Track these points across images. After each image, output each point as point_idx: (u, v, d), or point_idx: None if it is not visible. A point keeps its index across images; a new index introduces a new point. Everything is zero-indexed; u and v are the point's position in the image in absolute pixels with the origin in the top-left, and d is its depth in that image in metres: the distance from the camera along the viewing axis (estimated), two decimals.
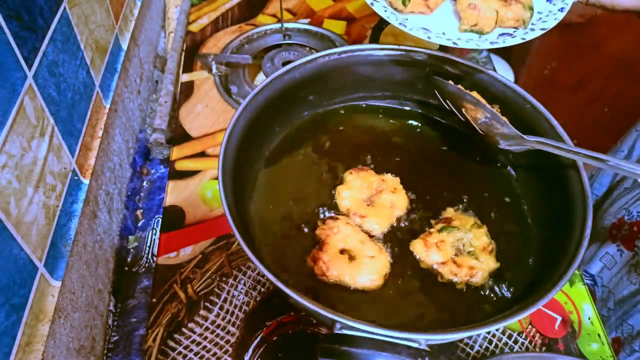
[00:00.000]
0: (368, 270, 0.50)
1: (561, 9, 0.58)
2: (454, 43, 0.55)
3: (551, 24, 0.57)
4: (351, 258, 0.51)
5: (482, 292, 0.51)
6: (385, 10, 0.57)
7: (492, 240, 0.53)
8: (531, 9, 0.58)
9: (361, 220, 0.55)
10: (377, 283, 0.50)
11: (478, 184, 0.60)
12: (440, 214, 0.56)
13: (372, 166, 0.60)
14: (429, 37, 0.55)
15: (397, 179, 0.58)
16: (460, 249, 0.52)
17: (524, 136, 0.52)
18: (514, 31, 0.58)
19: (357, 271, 0.50)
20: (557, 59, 1.58)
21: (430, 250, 0.51)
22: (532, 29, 0.57)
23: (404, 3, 0.57)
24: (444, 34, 0.57)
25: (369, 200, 0.57)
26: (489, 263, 0.51)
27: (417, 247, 0.52)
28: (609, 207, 0.84)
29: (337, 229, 0.52)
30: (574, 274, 0.61)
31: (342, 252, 0.51)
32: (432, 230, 0.54)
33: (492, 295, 0.50)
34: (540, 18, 0.59)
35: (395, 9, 0.58)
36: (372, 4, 0.58)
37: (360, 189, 0.57)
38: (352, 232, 0.53)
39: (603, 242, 0.81)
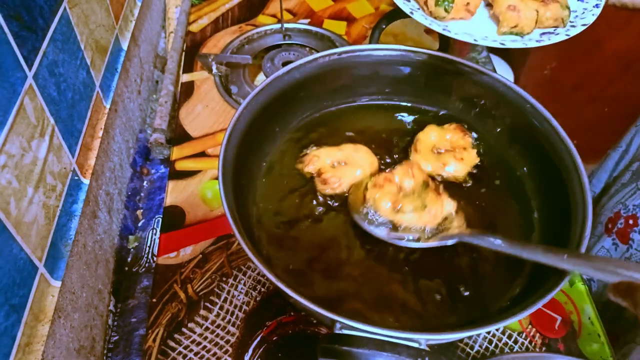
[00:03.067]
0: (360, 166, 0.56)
1: (596, 5, 0.60)
2: (501, 44, 0.56)
3: (590, 19, 0.58)
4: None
5: None
6: (426, 19, 0.59)
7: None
8: (568, 7, 0.59)
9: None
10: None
11: (479, 182, 0.60)
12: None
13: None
14: (475, 40, 0.56)
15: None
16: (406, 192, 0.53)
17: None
18: (555, 29, 0.59)
19: (351, 170, 0.55)
20: (557, 59, 1.57)
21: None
22: (573, 26, 0.58)
23: (446, 10, 0.58)
24: (487, 37, 0.58)
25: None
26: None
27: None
28: (606, 202, 0.84)
29: (318, 156, 0.57)
30: (574, 273, 0.61)
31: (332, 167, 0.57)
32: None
33: None
34: (577, 16, 0.60)
35: (436, 17, 0.60)
36: (411, 13, 0.59)
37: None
38: (331, 151, 0.57)
39: (599, 237, 0.82)
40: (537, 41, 0.57)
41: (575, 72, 1.59)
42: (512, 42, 0.57)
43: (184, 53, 0.95)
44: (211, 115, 0.82)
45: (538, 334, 0.58)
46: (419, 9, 0.61)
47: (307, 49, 0.94)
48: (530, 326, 0.59)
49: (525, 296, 0.48)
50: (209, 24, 1.00)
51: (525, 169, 0.60)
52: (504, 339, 0.58)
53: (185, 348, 0.57)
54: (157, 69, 0.96)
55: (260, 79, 0.92)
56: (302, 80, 0.61)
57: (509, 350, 0.57)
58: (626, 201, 0.79)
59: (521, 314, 0.41)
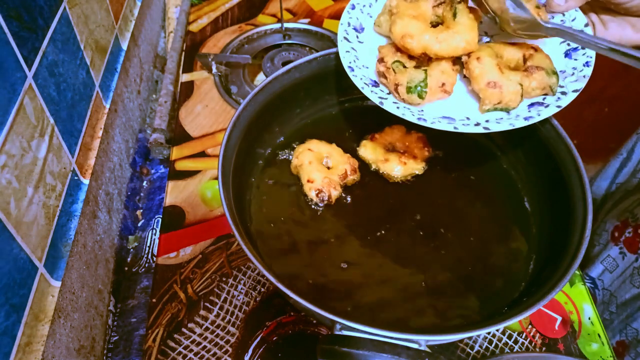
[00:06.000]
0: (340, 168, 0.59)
1: (586, 63, 0.52)
2: (485, 128, 0.49)
3: (582, 83, 0.51)
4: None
5: None
6: (398, 107, 0.51)
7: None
8: (555, 73, 0.52)
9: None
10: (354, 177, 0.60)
11: (479, 183, 0.60)
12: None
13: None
14: (455, 128, 0.49)
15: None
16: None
17: (540, 22, 0.46)
18: (544, 99, 0.52)
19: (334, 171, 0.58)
20: None
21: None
22: (564, 92, 0.51)
23: (420, 96, 0.50)
24: (468, 119, 0.51)
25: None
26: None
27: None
28: (612, 209, 0.84)
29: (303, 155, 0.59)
30: (574, 274, 0.61)
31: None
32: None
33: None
34: (566, 77, 0.53)
35: (410, 103, 0.52)
36: (381, 103, 0.51)
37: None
38: (314, 154, 0.59)
39: (605, 245, 0.81)
40: (525, 119, 0.49)
41: None
42: (498, 124, 0.49)
43: (183, 53, 0.95)
44: (211, 115, 0.82)
45: (538, 334, 0.58)
46: (389, 94, 0.53)
47: (307, 48, 0.94)
48: (530, 326, 0.59)
49: (525, 297, 0.48)
50: (208, 24, 1.00)
51: (525, 169, 0.60)
52: (504, 339, 0.58)
53: (185, 348, 0.57)
54: (156, 69, 0.96)
55: (260, 79, 0.92)
56: (302, 80, 0.61)
57: (509, 350, 0.57)
58: (634, 209, 0.78)
59: (521, 314, 0.41)
